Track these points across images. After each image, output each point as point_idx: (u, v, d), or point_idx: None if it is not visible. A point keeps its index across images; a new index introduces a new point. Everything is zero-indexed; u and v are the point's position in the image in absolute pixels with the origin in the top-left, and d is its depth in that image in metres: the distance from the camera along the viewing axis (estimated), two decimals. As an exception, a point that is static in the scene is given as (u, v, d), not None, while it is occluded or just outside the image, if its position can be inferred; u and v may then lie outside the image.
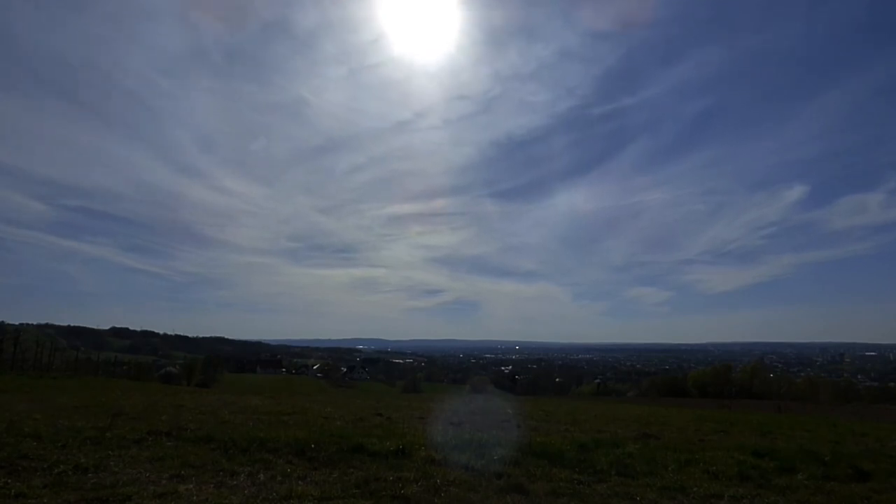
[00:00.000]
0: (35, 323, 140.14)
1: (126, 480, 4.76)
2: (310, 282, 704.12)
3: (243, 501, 4.35)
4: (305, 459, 5.96)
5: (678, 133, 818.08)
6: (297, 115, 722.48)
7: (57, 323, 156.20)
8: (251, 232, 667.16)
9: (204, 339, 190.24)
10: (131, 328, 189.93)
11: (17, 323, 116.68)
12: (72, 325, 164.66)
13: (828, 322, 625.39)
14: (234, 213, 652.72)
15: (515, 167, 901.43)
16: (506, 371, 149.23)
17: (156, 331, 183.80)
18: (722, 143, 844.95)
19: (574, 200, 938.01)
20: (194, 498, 4.35)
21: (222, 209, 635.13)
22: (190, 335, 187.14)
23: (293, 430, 7.72)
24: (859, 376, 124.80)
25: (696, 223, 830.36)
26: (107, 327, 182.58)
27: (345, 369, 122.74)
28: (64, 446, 5.95)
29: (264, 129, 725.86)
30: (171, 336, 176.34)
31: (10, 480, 4.55)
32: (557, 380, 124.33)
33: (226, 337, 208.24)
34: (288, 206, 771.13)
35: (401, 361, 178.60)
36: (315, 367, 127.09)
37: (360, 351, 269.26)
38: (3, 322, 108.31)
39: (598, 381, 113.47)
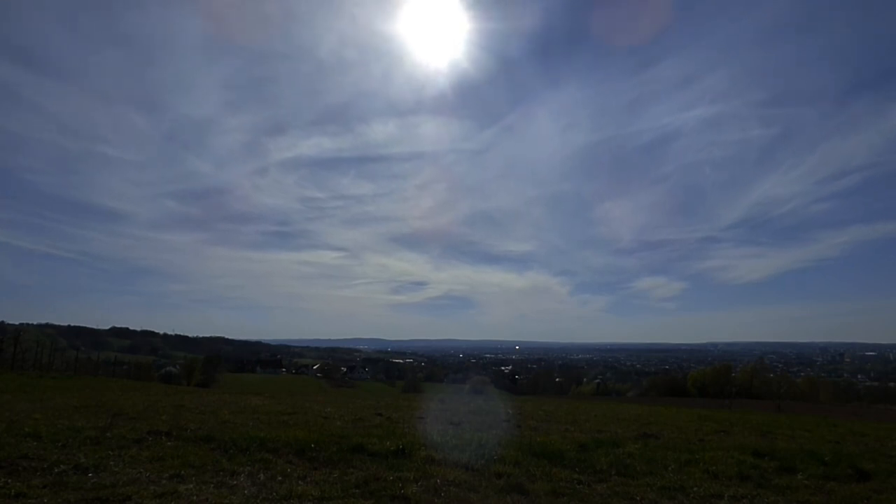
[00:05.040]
0: (35, 323, 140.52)
1: (126, 480, 4.76)
2: (265, 269, 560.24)
3: (243, 501, 4.35)
4: (305, 459, 5.96)
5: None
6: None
7: (57, 323, 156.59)
8: (124, 190, 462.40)
9: (204, 339, 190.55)
10: (131, 328, 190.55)
11: (17, 323, 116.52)
12: (72, 325, 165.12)
13: (828, 322, 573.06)
14: (74, 155, 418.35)
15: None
16: (506, 371, 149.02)
17: (156, 331, 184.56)
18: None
19: (561, 109, 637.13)
20: (194, 498, 4.35)
21: (61, 149, 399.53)
22: (190, 335, 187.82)
23: (293, 430, 7.71)
24: (859, 376, 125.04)
25: (741, 169, 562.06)
26: (107, 327, 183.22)
27: (345, 369, 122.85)
28: (64, 446, 5.95)
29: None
30: (171, 336, 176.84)
31: (10, 480, 4.55)
32: (557, 380, 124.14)
33: (226, 337, 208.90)
34: (130, 135, 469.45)
35: (401, 361, 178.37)
36: (315, 367, 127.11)
37: (360, 351, 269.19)
38: (3, 322, 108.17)
39: (598, 381, 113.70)
